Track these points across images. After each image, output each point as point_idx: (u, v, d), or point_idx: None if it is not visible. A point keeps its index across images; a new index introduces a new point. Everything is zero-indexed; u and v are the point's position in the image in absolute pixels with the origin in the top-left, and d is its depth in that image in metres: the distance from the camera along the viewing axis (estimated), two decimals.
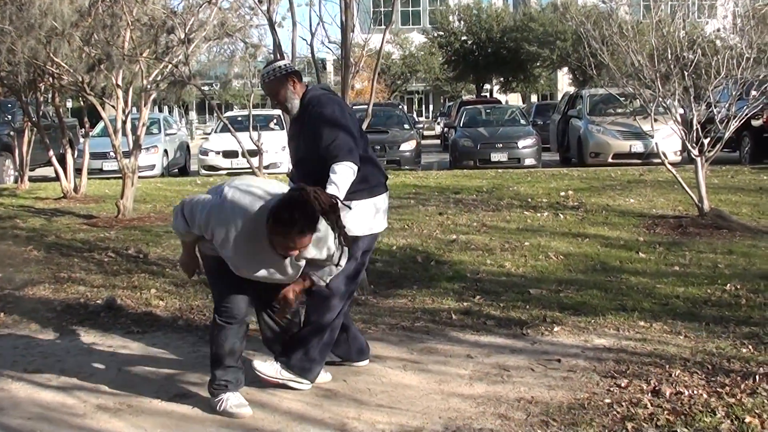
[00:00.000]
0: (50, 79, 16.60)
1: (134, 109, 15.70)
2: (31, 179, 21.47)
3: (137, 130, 14.42)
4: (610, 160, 22.43)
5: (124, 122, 14.59)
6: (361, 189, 5.87)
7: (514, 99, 70.70)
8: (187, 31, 12.74)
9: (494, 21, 58.31)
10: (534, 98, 68.84)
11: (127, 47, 13.79)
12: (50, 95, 18.49)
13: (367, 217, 5.94)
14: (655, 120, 12.97)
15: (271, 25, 9.05)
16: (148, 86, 14.28)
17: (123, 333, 7.45)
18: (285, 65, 6.02)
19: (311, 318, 5.88)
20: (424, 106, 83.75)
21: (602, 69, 14.67)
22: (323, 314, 5.83)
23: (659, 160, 13.62)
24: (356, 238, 5.80)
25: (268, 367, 5.81)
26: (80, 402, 5.76)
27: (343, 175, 5.59)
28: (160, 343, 7.13)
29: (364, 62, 14.98)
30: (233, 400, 5.42)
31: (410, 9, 75.87)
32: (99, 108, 15.39)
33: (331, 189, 5.45)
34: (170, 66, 13.67)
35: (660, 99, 12.80)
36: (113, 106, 14.87)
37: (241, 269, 5.22)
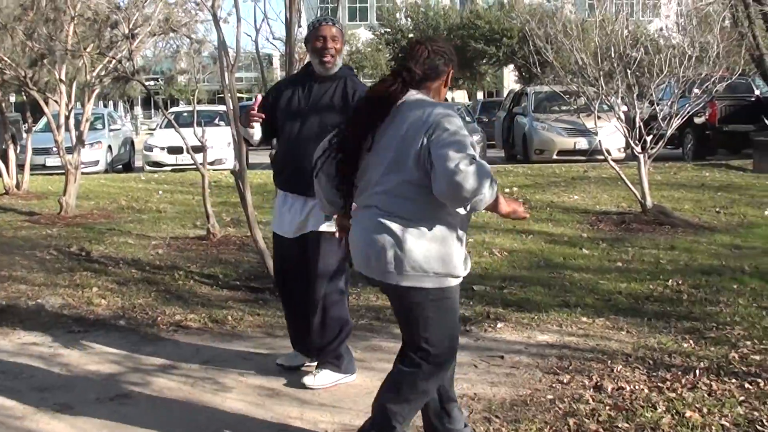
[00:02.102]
0: None
1: (78, 105, 15.53)
2: None
3: (80, 126, 14.28)
4: (554, 157, 22.53)
5: (67, 117, 14.43)
6: None
7: (461, 96, 70.78)
8: (131, 26, 12.61)
9: (441, 18, 58.35)
10: (480, 95, 69.04)
11: (71, 42, 13.63)
12: None
13: None
14: (599, 117, 13.07)
15: (216, 21, 8.98)
16: (92, 81, 14.13)
17: (64, 332, 7.33)
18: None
19: (327, 318, 5.84)
20: None
21: (547, 67, 14.76)
22: (335, 311, 5.84)
23: (603, 157, 13.70)
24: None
25: (319, 379, 5.80)
26: (19, 403, 5.64)
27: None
28: (101, 343, 7.02)
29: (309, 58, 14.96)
30: None
31: (357, 5, 75.70)
32: (42, 103, 15.20)
33: None
34: (114, 61, 13.53)
35: (603, 97, 12.90)
36: (56, 101, 14.71)
37: None
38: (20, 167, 17.64)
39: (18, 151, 18.71)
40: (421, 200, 4.09)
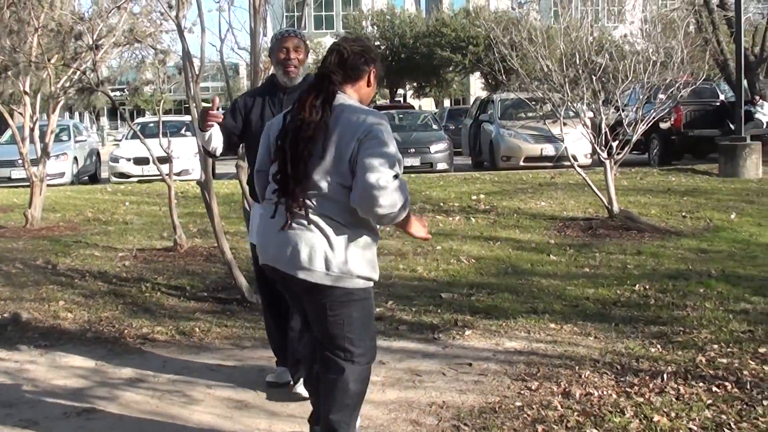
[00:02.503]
0: None
1: (44, 116, 15.43)
2: None
3: (45, 138, 14.17)
4: (521, 163, 22.59)
5: (32, 129, 14.32)
6: None
7: (428, 104, 70.95)
8: (95, 36, 12.55)
9: (407, 26, 58.43)
10: (447, 103, 69.20)
11: (35, 53, 13.54)
12: None
13: None
14: (565, 124, 13.10)
15: (180, 31, 8.94)
16: (57, 93, 14.04)
17: (30, 347, 7.26)
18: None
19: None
20: None
21: (512, 74, 14.80)
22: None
23: (570, 164, 13.75)
24: None
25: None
26: None
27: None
28: (68, 357, 6.97)
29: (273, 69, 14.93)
30: None
31: (323, 13, 75.77)
32: (6, 115, 15.09)
33: None
34: (79, 72, 13.46)
35: (569, 103, 12.95)
36: (21, 113, 14.60)
37: None
38: None
39: None
40: (345, 201, 4.16)
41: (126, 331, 7.55)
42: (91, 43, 12.39)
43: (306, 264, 4.21)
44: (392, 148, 4.10)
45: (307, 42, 5.92)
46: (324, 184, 4.17)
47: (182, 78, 9.35)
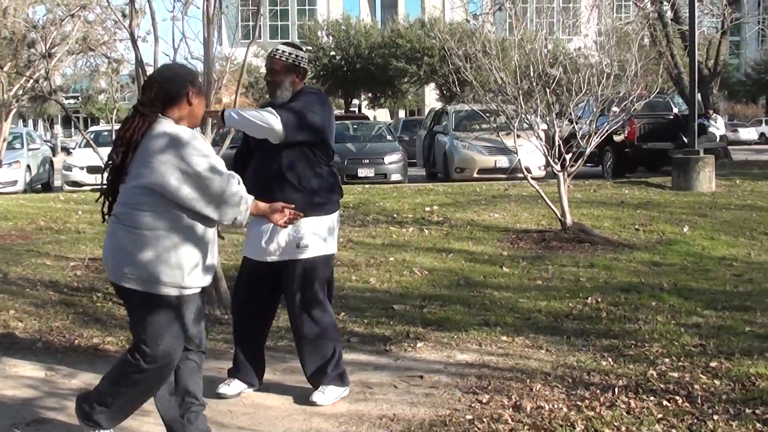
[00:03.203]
0: None
1: None
2: None
3: None
4: (475, 175, 22.68)
5: None
6: (334, 202, 6.02)
7: (383, 114, 71.03)
8: (49, 44, 12.46)
9: (362, 37, 58.54)
10: (402, 114, 69.33)
11: None
12: None
13: (335, 232, 6.10)
14: (519, 136, 13.14)
15: (133, 40, 8.88)
16: (9, 100, 13.91)
17: None
18: (301, 57, 6.05)
19: (310, 335, 5.94)
20: None
21: (466, 86, 14.84)
22: (314, 324, 5.93)
23: (523, 176, 13.80)
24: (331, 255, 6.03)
25: (328, 395, 5.87)
26: None
27: (262, 115, 5.68)
28: (18, 367, 6.90)
29: (230, 76, 14.84)
30: None
31: (279, 23, 75.77)
32: None
33: (238, 110, 5.76)
34: (32, 80, 13.35)
35: (523, 115, 12.99)
36: None
37: None
38: None
39: None
40: (149, 214, 4.65)
41: (77, 341, 7.48)
42: (44, 51, 12.30)
43: (109, 268, 4.84)
44: (205, 170, 4.65)
45: (287, 59, 5.98)
46: (127, 196, 4.76)
47: (136, 87, 9.28)
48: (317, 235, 5.87)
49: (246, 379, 6.17)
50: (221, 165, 4.70)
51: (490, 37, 15.74)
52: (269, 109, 5.72)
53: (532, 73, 12.74)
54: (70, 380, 6.48)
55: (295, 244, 5.82)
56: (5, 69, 13.47)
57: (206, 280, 4.89)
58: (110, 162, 4.84)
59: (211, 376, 6.43)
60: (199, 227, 4.76)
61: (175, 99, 4.79)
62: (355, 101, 66.80)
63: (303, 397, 5.96)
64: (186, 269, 4.70)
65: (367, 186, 20.58)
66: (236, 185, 4.72)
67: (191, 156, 4.61)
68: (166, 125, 4.73)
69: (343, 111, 62.12)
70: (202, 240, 4.78)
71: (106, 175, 4.91)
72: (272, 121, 5.64)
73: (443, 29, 28.77)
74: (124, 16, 10.28)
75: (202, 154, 4.64)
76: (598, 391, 5.86)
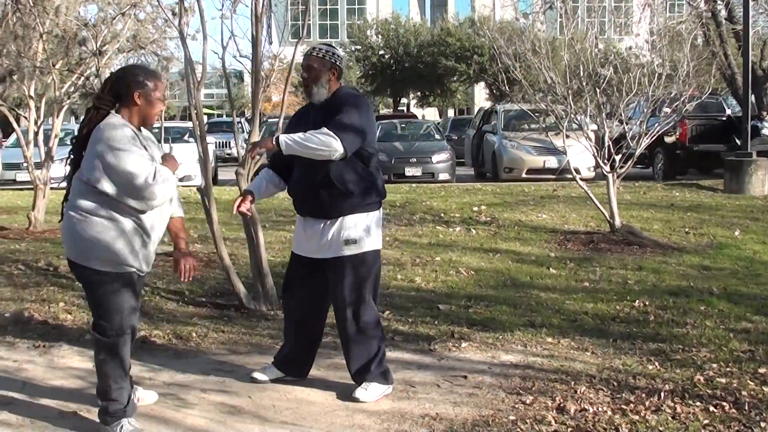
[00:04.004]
0: None
1: (49, 120, 15.47)
2: None
3: (50, 142, 14.21)
4: (524, 175, 22.53)
5: (36, 133, 14.36)
6: (376, 201, 6.02)
7: (431, 113, 70.93)
8: (99, 43, 12.58)
9: (412, 35, 58.41)
10: (451, 113, 69.16)
11: (40, 58, 13.57)
12: None
13: (380, 228, 6.11)
14: (568, 136, 13.04)
15: (183, 38, 8.92)
16: (61, 97, 14.06)
17: (29, 347, 7.31)
18: (339, 56, 6.09)
19: (354, 332, 5.97)
20: None
21: (516, 85, 14.76)
22: (359, 321, 5.96)
23: (572, 176, 13.70)
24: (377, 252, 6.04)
25: (371, 392, 5.89)
26: None
27: (320, 138, 5.66)
28: (65, 358, 7.01)
29: (279, 75, 14.87)
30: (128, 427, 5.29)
31: (328, 22, 75.94)
32: (11, 119, 15.13)
33: (294, 136, 5.69)
34: (82, 78, 13.49)
35: (572, 115, 12.90)
36: (26, 117, 14.65)
37: None
38: None
39: None
40: (91, 198, 5.20)
41: None
42: (95, 49, 12.41)
43: (66, 249, 5.44)
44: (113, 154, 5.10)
45: (324, 56, 6.01)
46: (76, 184, 5.39)
47: (185, 84, 9.34)
48: (364, 232, 5.89)
49: (285, 369, 6.28)
50: (140, 162, 5.07)
51: (540, 36, 15.67)
52: (323, 130, 5.66)
53: (582, 73, 12.64)
54: None
55: (342, 240, 5.85)
56: (57, 66, 13.62)
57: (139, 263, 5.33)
58: (70, 155, 5.45)
59: (255, 370, 6.47)
60: (133, 213, 5.23)
61: (123, 97, 5.28)
62: (404, 100, 66.75)
63: (346, 394, 5.96)
64: (123, 251, 5.20)
65: (414, 185, 20.56)
66: (152, 183, 5.07)
67: (112, 150, 5.07)
68: (109, 119, 5.23)
69: (391, 110, 62.15)
70: (139, 226, 5.25)
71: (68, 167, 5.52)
72: (333, 143, 5.64)
73: (493, 28, 28.69)
74: (173, 14, 10.35)
75: (124, 149, 5.07)
76: (644, 395, 5.78)
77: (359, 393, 5.85)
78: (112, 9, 13.75)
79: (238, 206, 6.02)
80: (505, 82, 14.15)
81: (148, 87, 5.28)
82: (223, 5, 9.24)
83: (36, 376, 6.54)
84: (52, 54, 13.61)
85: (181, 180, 19.47)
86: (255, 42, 8.47)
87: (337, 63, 6.01)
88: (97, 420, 5.38)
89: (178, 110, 63.06)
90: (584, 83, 12.61)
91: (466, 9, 70.60)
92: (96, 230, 5.16)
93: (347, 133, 5.69)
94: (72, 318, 8.19)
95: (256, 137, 8.43)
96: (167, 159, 5.42)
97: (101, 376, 5.30)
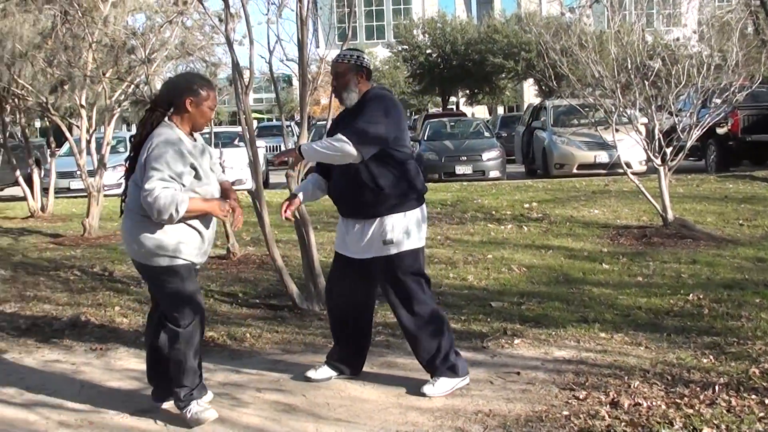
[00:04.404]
0: (15, 100, 16.64)
1: (100, 129, 15.70)
2: (0, 199, 21.51)
3: (102, 149, 14.41)
4: (575, 171, 22.40)
5: (88, 141, 14.61)
6: (415, 199, 6.05)
7: (481, 111, 70.81)
8: (148, 51, 12.75)
9: (458, 33, 58.34)
10: (500, 110, 69.01)
11: (90, 68, 13.77)
12: (17, 115, 18.48)
13: (423, 226, 6.12)
14: (618, 130, 12.96)
15: (230, 44, 9.00)
16: (112, 105, 14.24)
17: (86, 350, 7.48)
18: (363, 57, 6.15)
19: (411, 328, 6.02)
20: None
21: (563, 80, 14.68)
22: (415, 319, 6.01)
23: (624, 171, 13.61)
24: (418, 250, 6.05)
25: (438, 387, 5.94)
26: (42, 418, 5.80)
27: (334, 145, 5.75)
28: (122, 360, 7.15)
29: (327, 77, 14.95)
30: (196, 407, 5.53)
31: (374, 23, 75.99)
32: (63, 128, 15.41)
33: (313, 144, 5.77)
34: (132, 86, 13.67)
35: (621, 109, 12.82)
36: (78, 126, 14.89)
37: None
38: (45, 191, 18.03)
39: (42, 175, 19.10)
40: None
41: None
42: (144, 57, 12.57)
43: (127, 248, 5.66)
44: (154, 162, 5.27)
45: (348, 60, 6.08)
46: (131, 187, 5.52)
47: (233, 90, 9.43)
48: (402, 231, 5.92)
49: (337, 368, 6.36)
50: (163, 177, 5.23)
51: (587, 30, 15.58)
52: (338, 136, 5.75)
53: (630, 66, 12.56)
54: None
55: (381, 240, 5.91)
56: (107, 75, 13.79)
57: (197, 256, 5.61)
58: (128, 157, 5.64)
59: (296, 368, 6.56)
60: None
61: (176, 104, 5.48)
62: (453, 98, 66.68)
63: (399, 391, 6.02)
64: (182, 247, 5.45)
65: (465, 183, 20.56)
66: (163, 197, 5.21)
67: (150, 163, 5.27)
68: (164, 130, 5.42)
69: (440, 108, 62.11)
70: (192, 225, 5.48)
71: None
72: (346, 148, 5.71)
73: (539, 23, 28.54)
74: (220, 20, 10.44)
75: (164, 161, 5.25)
76: (698, 388, 5.73)
77: (426, 388, 5.93)
78: (159, 17, 13.91)
79: (285, 211, 6.10)
80: (553, 77, 14.10)
81: (201, 95, 5.48)
82: (268, 10, 9.32)
83: (93, 378, 6.68)
84: (102, 63, 13.80)
85: (232, 184, 19.68)
86: (301, 45, 8.52)
87: (363, 64, 6.06)
88: (154, 420, 5.59)
89: (227, 115, 63.53)
90: (632, 76, 12.53)
91: (512, 5, 70.40)
92: (154, 230, 5.37)
93: (360, 138, 5.74)
94: (128, 321, 8.34)
95: (304, 140, 8.48)
96: (226, 190, 5.76)
97: (175, 364, 5.52)
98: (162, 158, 5.26)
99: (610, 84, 12.64)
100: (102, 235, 13.87)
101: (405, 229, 5.94)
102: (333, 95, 6.18)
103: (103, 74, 13.54)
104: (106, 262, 11.33)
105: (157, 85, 13.05)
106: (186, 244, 5.46)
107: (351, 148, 5.70)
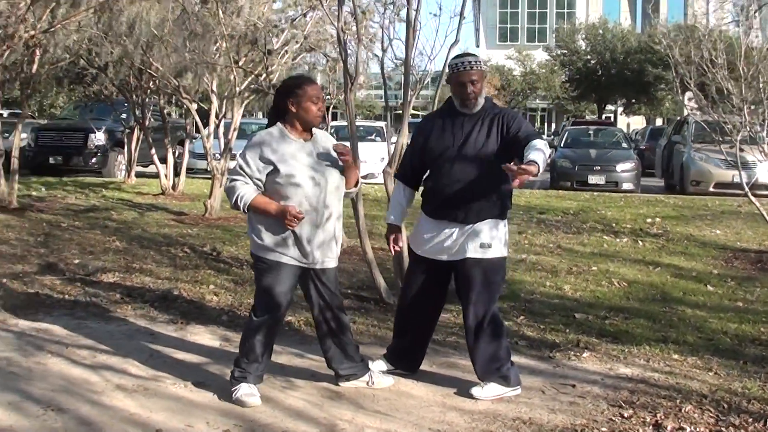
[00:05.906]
0: (151, 82, 17.32)
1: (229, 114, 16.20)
2: (144, 175, 22.64)
3: (229, 134, 14.84)
4: (711, 189, 21.77)
5: (217, 126, 15.08)
6: (509, 207, 6.21)
7: (638, 122, 69.68)
8: (280, 42, 13.10)
9: (618, 41, 57.52)
10: (659, 121, 67.72)
11: (222, 56, 14.21)
12: (159, 97, 19.17)
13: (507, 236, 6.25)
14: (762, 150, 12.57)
15: (340, 42, 9.16)
16: (241, 92, 14.62)
17: (168, 322, 7.86)
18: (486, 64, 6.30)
19: (480, 333, 6.08)
20: (546, 124, 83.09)
21: (722, 95, 14.21)
22: (484, 324, 6.07)
23: (765, 192, 13.15)
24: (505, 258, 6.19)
25: (487, 391, 6.00)
26: (102, 380, 6.16)
27: (547, 148, 5.84)
28: (198, 335, 7.47)
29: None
30: (245, 389, 5.79)
31: (536, 26, 75.50)
32: (192, 111, 15.93)
33: (537, 155, 5.67)
34: (252, 75, 14.02)
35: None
36: (209, 111, 15.40)
37: None
38: (188, 170, 18.86)
39: (176, 156, 19.84)
40: None
41: None
42: (274, 47, 12.89)
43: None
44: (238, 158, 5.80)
45: (482, 68, 6.17)
46: None
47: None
48: (497, 238, 6.02)
49: (395, 362, 6.46)
50: (236, 174, 5.74)
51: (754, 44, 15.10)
52: (543, 141, 5.84)
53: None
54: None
55: (478, 244, 5.96)
56: (240, 63, 14.17)
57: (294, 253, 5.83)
58: None
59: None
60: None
61: (281, 108, 5.87)
62: (609, 107, 65.82)
63: (448, 391, 6.12)
64: (275, 242, 5.77)
65: (596, 193, 20.33)
66: (234, 187, 5.73)
67: (238, 155, 5.86)
68: (261, 131, 5.92)
69: (595, 116, 61.40)
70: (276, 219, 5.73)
71: None
72: (549, 149, 5.89)
73: (705, 36, 27.82)
74: (346, 23, 10.64)
75: (242, 155, 5.77)
76: (751, 419, 5.62)
77: (475, 390, 5.98)
78: (292, 10, 14.22)
79: (394, 246, 6.44)
80: (713, 92, 13.75)
81: (298, 94, 5.79)
82: (384, 10, 9.46)
83: (164, 349, 7.01)
84: (234, 52, 14.18)
85: (364, 177, 19.95)
86: (407, 46, 8.64)
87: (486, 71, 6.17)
88: (210, 393, 5.96)
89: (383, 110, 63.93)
90: None
91: (680, 16, 68.89)
92: (258, 221, 5.80)
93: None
94: (217, 300, 8.65)
95: (404, 138, 8.58)
96: (348, 168, 6.03)
97: (242, 345, 5.92)
98: (241, 155, 5.76)
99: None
100: (222, 216, 14.28)
101: (499, 236, 6.04)
102: (459, 97, 6.11)
103: (236, 62, 13.89)
104: (217, 242, 11.69)
105: (284, 75, 13.38)
106: (280, 242, 5.75)
107: (548, 148, 5.88)
